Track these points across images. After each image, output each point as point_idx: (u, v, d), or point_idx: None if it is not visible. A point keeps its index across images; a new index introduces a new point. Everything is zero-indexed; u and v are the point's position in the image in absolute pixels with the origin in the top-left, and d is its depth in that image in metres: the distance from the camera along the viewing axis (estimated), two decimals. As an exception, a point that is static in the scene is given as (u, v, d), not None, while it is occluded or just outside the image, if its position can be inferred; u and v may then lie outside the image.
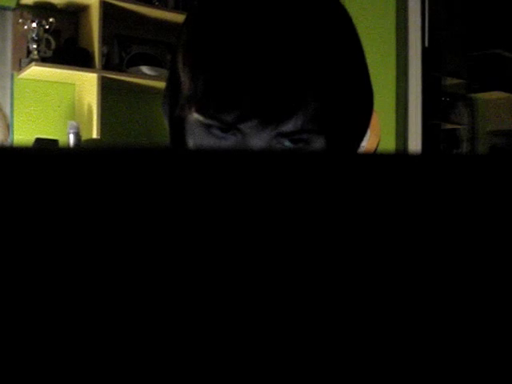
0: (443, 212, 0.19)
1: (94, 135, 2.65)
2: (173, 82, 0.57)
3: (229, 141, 0.53)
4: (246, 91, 0.50)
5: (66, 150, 0.19)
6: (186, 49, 0.54)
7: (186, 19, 0.58)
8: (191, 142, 0.56)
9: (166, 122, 0.62)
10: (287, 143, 0.53)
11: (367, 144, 1.47)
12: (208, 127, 0.53)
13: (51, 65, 2.58)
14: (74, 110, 2.84)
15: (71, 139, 2.60)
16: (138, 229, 0.18)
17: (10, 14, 2.68)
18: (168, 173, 0.19)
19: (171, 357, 0.18)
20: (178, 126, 0.58)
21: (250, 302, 0.19)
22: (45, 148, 0.19)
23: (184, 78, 0.54)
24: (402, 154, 0.21)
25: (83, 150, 0.19)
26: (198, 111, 0.53)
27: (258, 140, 0.52)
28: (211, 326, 0.19)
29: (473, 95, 3.88)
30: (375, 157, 0.20)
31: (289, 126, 0.51)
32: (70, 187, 0.18)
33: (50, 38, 2.67)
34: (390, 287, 0.19)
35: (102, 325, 0.18)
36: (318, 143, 0.54)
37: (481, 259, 0.19)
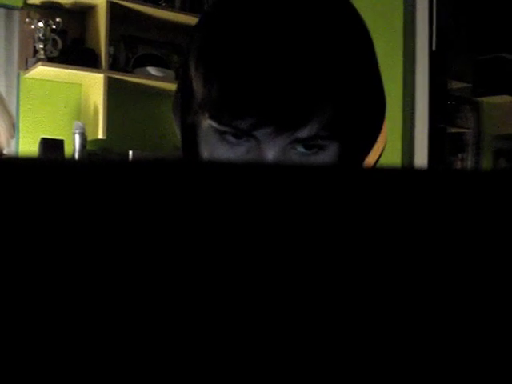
0: (446, 226, 0.19)
1: (100, 135, 2.65)
2: (185, 87, 0.56)
3: (243, 147, 0.53)
4: (262, 98, 0.49)
5: (71, 163, 0.19)
6: (198, 55, 0.53)
7: (198, 24, 0.57)
8: (204, 149, 0.56)
9: (176, 128, 0.61)
10: (301, 149, 0.52)
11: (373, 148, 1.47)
12: (222, 134, 0.53)
13: (58, 65, 2.59)
14: (79, 110, 2.85)
15: (77, 139, 2.61)
16: (142, 240, 0.18)
17: (16, 14, 2.69)
18: (174, 186, 0.19)
19: (171, 357, 0.18)
20: (191, 133, 0.57)
21: (256, 310, 0.19)
22: (49, 160, 0.19)
23: (197, 84, 0.53)
24: (403, 169, 0.21)
25: (91, 163, 0.19)
26: (212, 118, 0.52)
27: (273, 146, 0.51)
28: (210, 331, 0.18)
29: (479, 99, 3.87)
30: (379, 172, 0.20)
31: (304, 132, 0.50)
32: (75, 201, 0.18)
33: (57, 37, 2.68)
34: (394, 299, 0.19)
35: (102, 333, 0.18)
36: (332, 149, 0.53)
37: (483, 272, 0.19)
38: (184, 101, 0.57)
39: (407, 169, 0.20)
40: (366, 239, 0.19)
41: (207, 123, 0.53)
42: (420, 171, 0.20)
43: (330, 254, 0.19)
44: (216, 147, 0.54)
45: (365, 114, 0.55)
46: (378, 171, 0.20)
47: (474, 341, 0.19)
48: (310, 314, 0.19)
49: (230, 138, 0.53)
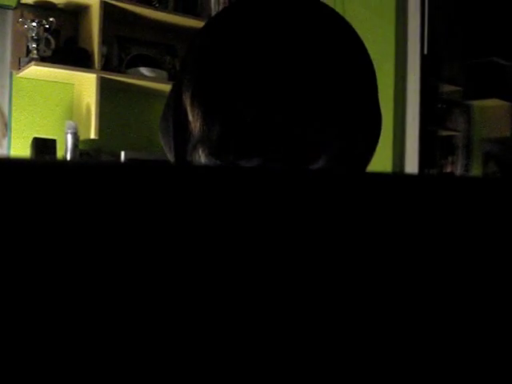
0: (438, 230, 0.20)
1: (92, 135, 2.65)
2: (177, 115, 0.52)
3: None
4: (269, 138, 0.46)
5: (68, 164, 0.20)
6: (194, 89, 0.50)
7: (192, 47, 0.53)
8: None
9: (167, 153, 0.56)
10: None
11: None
12: None
13: (50, 64, 2.58)
14: (72, 110, 2.84)
15: (69, 139, 2.60)
16: (135, 243, 0.19)
17: (10, 13, 2.68)
18: (165, 189, 0.19)
19: (171, 357, 0.19)
20: (185, 161, 0.54)
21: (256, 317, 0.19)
22: (43, 161, 0.19)
23: (194, 119, 0.50)
24: (395, 175, 0.22)
25: (83, 164, 0.20)
26: (213, 155, 0.49)
27: None
28: (208, 337, 0.19)
29: (469, 102, 3.88)
30: (373, 177, 0.21)
31: (313, 167, 0.48)
32: (64, 202, 0.19)
33: (50, 37, 2.67)
34: (388, 299, 0.20)
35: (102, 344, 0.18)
36: None
37: (477, 274, 0.20)
38: (177, 130, 0.53)
39: (398, 175, 0.20)
40: (361, 243, 0.20)
41: (206, 158, 0.50)
42: (412, 177, 0.21)
43: (326, 257, 0.19)
44: None
45: (366, 139, 0.53)
46: (370, 177, 0.21)
47: (463, 341, 0.20)
48: (309, 315, 0.19)
49: None
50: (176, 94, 0.53)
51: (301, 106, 0.47)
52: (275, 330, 0.19)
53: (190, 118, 0.50)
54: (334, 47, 0.50)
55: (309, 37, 0.49)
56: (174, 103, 0.53)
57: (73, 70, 2.62)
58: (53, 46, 2.68)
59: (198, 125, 0.49)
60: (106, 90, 2.74)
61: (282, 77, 0.47)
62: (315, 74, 0.48)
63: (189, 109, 0.50)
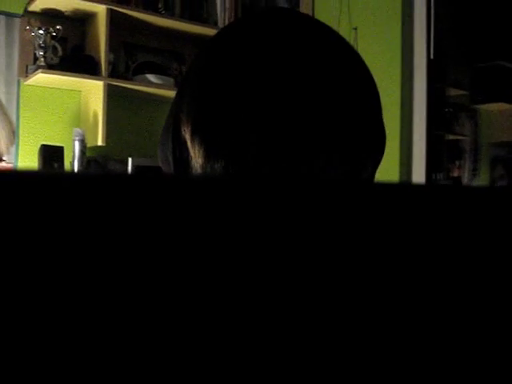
0: (441, 239, 0.20)
1: (99, 142, 2.66)
2: (176, 148, 0.51)
3: None
4: (275, 175, 0.44)
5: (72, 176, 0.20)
6: (193, 120, 0.48)
7: (190, 72, 0.51)
8: None
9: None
10: None
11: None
12: None
13: (58, 72, 2.59)
14: (79, 117, 2.85)
15: (76, 146, 2.61)
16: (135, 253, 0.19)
17: (17, 21, 2.70)
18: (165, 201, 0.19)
19: (171, 357, 0.19)
20: None
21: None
22: (47, 173, 0.19)
23: (195, 154, 0.48)
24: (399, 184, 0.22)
25: (85, 176, 0.20)
26: None
27: None
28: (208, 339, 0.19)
29: (476, 106, 3.88)
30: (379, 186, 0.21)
31: None
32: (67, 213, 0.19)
33: (57, 45, 2.68)
34: (390, 306, 0.20)
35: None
36: None
37: (479, 282, 0.20)
38: (178, 165, 0.51)
39: (404, 184, 0.20)
40: (367, 253, 0.20)
41: None
42: (418, 186, 0.21)
43: (331, 267, 0.19)
44: None
45: (372, 163, 0.52)
46: (375, 186, 0.21)
47: (459, 342, 0.20)
48: (309, 318, 0.19)
49: None
50: (174, 124, 0.51)
51: (306, 142, 0.46)
52: (274, 332, 0.19)
53: (192, 153, 0.49)
54: (337, 75, 0.48)
55: (313, 67, 0.47)
56: (172, 134, 0.51)
57: (80, 77, 2.63)
58: (60, 53, 2.70)
59: (201, 162, 0.48)
60: (113, 97, 2.76)
61: (286, 111, 0.46)
62: (319, 107, 0.47)
63: (189, 144, 0.49)
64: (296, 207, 0.19)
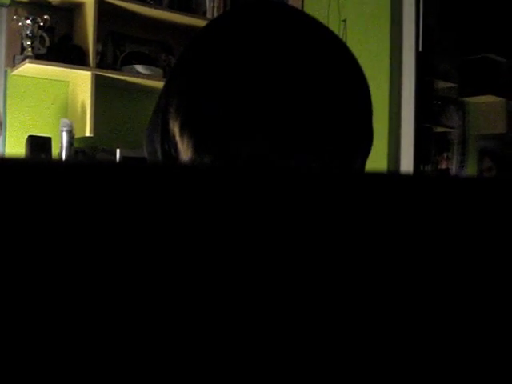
0: (435, 230, 0.20)
1: (87, 133, 2.64)
2: (165, 141, 0.51)
3: None
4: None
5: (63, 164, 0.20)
6: (182, 115, 0.48)
7: (178, 66, 0.51)
8: None
9: None
10: None
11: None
12: None
13: (45, 62, 2.58)
14: (67, 108, 2.84)
15: (64, 137, 2.59)
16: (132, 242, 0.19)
17: (4, 11, 2.67)
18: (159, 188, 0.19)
19: (171, 356, 0.19)
20: None
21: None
22: (39, 160, 0.19)
23: (184, 148, 0.48)
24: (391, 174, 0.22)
25: (78, 164, 0.20)
26: None
27: None
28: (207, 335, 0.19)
29: (464, 99, 3.89)
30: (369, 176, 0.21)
31: None
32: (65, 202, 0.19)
33: (45, 34, 2.66)
34: (386, 298, 0.20)
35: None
36: None
37: (476, 273, 0.20)
38: (166, 153, 0.51)
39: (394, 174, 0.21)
40: (357, 244, 0.20)
41: None
42: (408, 177, 0.21)
43: (324, 258, 0.20)
44: None
45: (361, 160, 0.52)
46: (367, 176, 0.21)
47: (461, 340, 0.20)
48: (309, 314, 0.19)
49: None
50: (163, 117, 0.51)
51: (295, 136, 0.46)
52: (272, 328, 0.19)
53: (180, 147, 0.49)
54: (326, 68, 0.48)
55: (301, 60, 0.47)
56: (161, 127, 0.51)
57: (67, 67, 2.62)
58: (47, 43, 2.68)
59: (189, 156, 0.48)
60: (100, 88, 2.74)
61: (275, 106, 0.45)
62: (308, 101, 0.46)
63: (178, 138, 0.49)
64: (288, 197, 0.19)
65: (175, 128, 0.49)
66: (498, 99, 3.79)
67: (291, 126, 0.46)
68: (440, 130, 3.76)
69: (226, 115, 0.46)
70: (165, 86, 0.52)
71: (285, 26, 0.49)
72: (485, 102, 3.83)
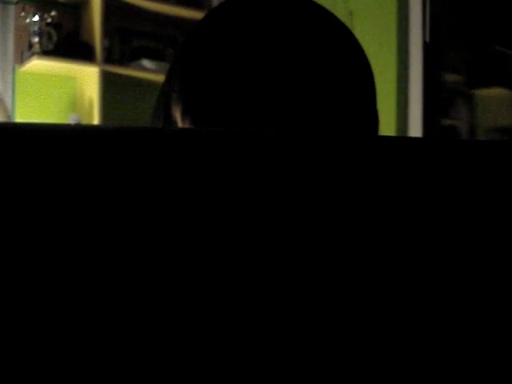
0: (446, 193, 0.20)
1: (95, 129, 2.64)
2: (167, 125, 0.51)
3: None
4: None
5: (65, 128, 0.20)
6: (183, 102, 0.48)
7: (180, 54, 0.51)
8: None
9: None
10: None
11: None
12: None
13: (53, 58, 2.58)
14: (75, 104, 2.84)
15: (72, 132, 2.59)
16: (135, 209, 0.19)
17: (11, 8, 2.68)
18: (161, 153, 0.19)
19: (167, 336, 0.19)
20: None
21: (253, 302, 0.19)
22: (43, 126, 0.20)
23: None
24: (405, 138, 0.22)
25: (79, 130, 0.20)
26: None
27: None
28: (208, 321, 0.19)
29: (472, 91, 3.87)
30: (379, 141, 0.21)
31: None
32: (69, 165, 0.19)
33: (52, 31, 2.66)
34: (395, 265, 0.20)
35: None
36: None
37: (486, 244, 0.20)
38: None
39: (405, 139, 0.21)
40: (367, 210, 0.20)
41: None
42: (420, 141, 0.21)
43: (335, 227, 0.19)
44: None
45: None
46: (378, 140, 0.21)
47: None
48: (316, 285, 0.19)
49: None
50: (165, 103, 0.51)
51: (298, 123, 0.45)
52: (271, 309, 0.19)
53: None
54: (330, 57, 0.48)
55: (305, 47, 0.47)
56: (164, 112, 0.51)
57: (75, 63, 2.62)
58: (55, 39, 2.68)
59: None
60: (108, 83, 2.74)
61: (277, 92, 0.45)
62: (310, 89, 0.46)
63: (180, 124, 0.49)
64: (296, 161, 0.19)
65: (177, 114, 0.49)
66: (507, 92, 3.76)
67: (294, 112, 0.45)
68: (448, 122, 3.73)
69: (228, 101, 0.46)
70: (168, 72, 0.52)
71: (287, 13, 0.48)
72: (493, 95, 3.81)
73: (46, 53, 2.61)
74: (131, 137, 0.20)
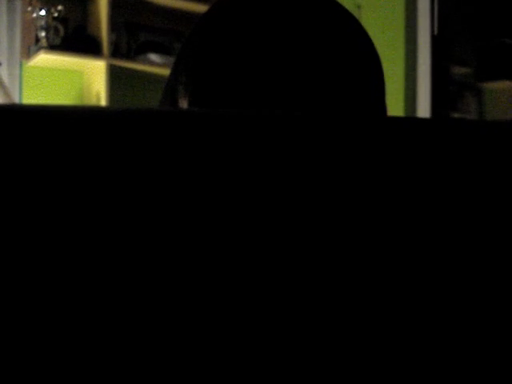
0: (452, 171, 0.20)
1: (103, 123, 2.65)
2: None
3: None
4: None
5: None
6: (192, 94, 0.48)
7: (185, 48, 0.50)
8: None
9: None
10: None
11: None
12: None
13: (60, 52, 2.58)
14: (82, 98, 2.85)
15: (80, 127, 2.60)
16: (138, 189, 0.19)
17: (18, 2, 2.68)
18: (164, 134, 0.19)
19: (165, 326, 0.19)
20: None
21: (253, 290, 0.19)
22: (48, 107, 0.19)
23: None
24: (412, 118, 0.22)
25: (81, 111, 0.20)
26: None
27: None
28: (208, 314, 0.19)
29: (481, 84, 3.85)
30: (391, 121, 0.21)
31: None
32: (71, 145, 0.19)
33: (59, 25, 2.67)
34: (397, 248, 0.20)
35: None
36: None
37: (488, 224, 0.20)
38: None
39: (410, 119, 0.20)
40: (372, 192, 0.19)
41: None
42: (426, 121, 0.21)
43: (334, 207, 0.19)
44: None
45: None
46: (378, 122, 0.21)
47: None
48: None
49: None
50: (172, 96, 0.51)
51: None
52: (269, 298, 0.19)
53: None
54: (338, 51, 0.47)
55: (312, 39, 0.46)
56: (170, 105, 0.51)
57: (82, 57, 2.63)
58: (62, 34, 2.68)
59: None
60: (115, 77, 2.75)
61: (284, 86, 0.45)
62: (318, 82, 0.45)
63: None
64: (301, 142, 0.19)
65: (184, 106, 0.49)
66: (515, 84, 3.74)
67: (300, 105, 0.45)
68: (456, 115, 3.72)
69: (235, 94, 0.45)
70: (173, 65, 0.52)
71: (293, 4, 0.48)
72: (502, 88, 3.79)
73: (53, 47, 2.61)
74: (135, 118, 0.20)
